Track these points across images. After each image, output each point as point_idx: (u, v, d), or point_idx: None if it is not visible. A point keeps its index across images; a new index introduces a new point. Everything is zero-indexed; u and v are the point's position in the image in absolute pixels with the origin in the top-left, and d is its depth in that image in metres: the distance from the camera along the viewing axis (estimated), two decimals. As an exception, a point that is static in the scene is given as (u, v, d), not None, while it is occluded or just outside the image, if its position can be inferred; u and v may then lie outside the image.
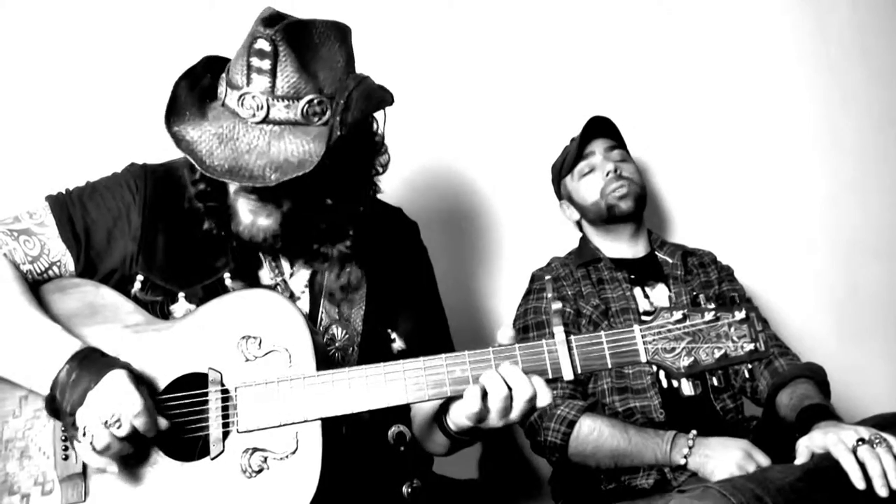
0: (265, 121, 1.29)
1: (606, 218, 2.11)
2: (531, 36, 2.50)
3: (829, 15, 2.81)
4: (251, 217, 1.38)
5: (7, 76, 2.02)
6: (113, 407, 1.17)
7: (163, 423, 1.22)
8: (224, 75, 1.35)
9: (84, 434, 1.17)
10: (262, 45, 1.28)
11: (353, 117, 1.31)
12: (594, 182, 2.13)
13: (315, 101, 1.30)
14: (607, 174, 2.11)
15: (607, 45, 2.56)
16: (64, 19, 2.08)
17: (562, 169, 2.23)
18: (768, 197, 2.63)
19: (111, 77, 2.08)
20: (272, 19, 1.30)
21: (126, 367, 1.23)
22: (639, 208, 2.12)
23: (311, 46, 1.32)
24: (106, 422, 1.16)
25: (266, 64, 1.28)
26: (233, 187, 1.39)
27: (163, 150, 1.57)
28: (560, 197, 2.28)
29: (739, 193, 2.62)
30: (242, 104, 1.30)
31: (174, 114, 1.33)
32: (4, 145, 1.99)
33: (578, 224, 2.27)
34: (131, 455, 1.22)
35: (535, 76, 2.48)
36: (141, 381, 1.24)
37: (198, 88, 1.38)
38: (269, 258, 1.50)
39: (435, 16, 2.42)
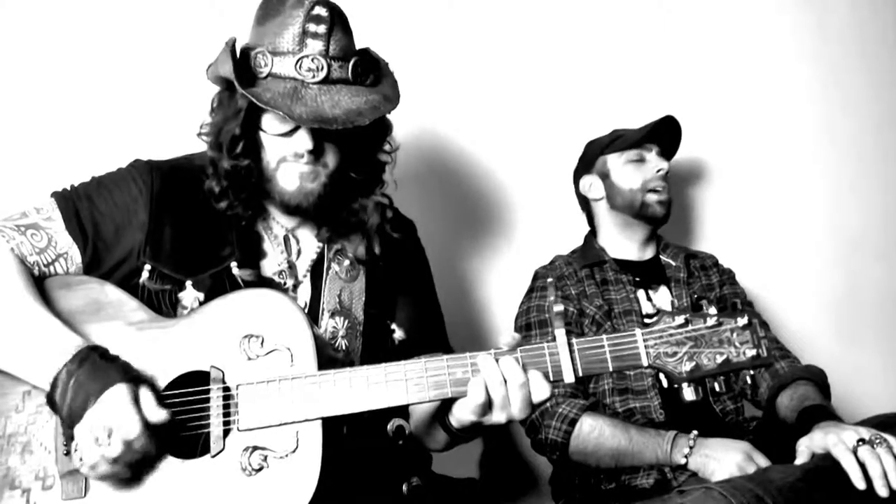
0: (325, 80, 1.40)
1: (636, 212, 2.10)
2: (532, 37, 2.50)
3: (829, 15, 2.81)
4: (298, 182, 1.45)
5: (9, 75, 2.02)
6: (108, 426, 1.16)
7: (163, 414, 1.20)
8: (262, 51, 1.41)
9: (75, 450, 1.17)
10: (320, 11, 1.41)
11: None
12: (641, 172, 2.11)
13: (359, 63, 1.45)
14: (658, 171, 2.11)
15: (608, 47, 2.56)
16: (66, 18, 2.07)
17: (609, 145, 2.17)
18: (768, 197, 2.64)
19: (112, 74, 2.08)
20: None
21: (127, 377, 1.21)
22: (665, 218, 2.12)
23: (345, 18, 1.47)
24: (97, 439, 1.15)
25: (322, 28, 1.40)
26: (275, 159, 1.45)
27: (164, 147, 1.60)
28: (587, 171, 2.21)
29: (739, 194, 2.62)
30: (300, 67, 1.39)
31: (240, 79, 1.38)
32: (9, 143, 1.99)
33: (588, 209, 2.23)
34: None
35: (540, 74, 2.48)
36: (140, 390, 1.21)
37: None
38: (275, 239, 1.53)
39: (440, 14, 2.42)
